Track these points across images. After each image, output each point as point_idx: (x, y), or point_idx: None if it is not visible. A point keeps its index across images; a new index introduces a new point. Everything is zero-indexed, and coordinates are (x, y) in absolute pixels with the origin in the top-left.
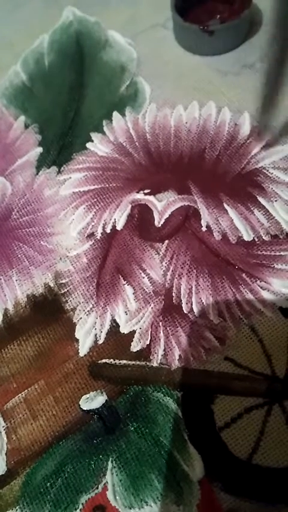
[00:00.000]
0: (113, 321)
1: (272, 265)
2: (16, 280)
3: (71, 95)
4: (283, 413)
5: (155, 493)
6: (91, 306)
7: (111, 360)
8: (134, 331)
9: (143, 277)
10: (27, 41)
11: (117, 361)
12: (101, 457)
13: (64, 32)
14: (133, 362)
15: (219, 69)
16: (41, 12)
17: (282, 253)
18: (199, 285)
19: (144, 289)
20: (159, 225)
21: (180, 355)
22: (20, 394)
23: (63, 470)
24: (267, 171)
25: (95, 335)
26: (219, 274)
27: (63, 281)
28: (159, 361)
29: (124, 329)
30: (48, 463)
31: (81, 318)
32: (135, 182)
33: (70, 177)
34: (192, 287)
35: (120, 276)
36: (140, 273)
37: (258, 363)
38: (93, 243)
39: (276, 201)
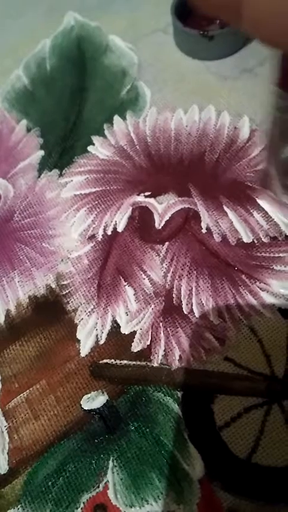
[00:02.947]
0: (114, 321)
1: (271, 267)
2: (18, 282)
3: (72, 98)
4: (282, 413)
5: (155, 491)
6: (92, 306)
7: (112, 360)
8: (134, 332)
9: (144, 279)
10: (29, 45)
11: (118, 361)
12: (102, 456)
13: (65, 37)
14: (134, 362)
15: (219, 73)
16: (42, 17)
17: (281, 254)
18: (199, 286)
19: (144, 291)
20: (160, 227)
21: (180, 356)
22: (21, 394)
23: (64, 469)
24: None
25: (96, 335)
26: (219, 275)
27: (65, 282)
28: (159, 362)
29: (125, 330)
30: (50, 462)
31: (82, 319)
32: (135, 185)
33: (71, 180)
34: (192, 288)
35: (121, 277)
36: (141, 274)
37: (257, 363)
38: (95, 245)
39: None
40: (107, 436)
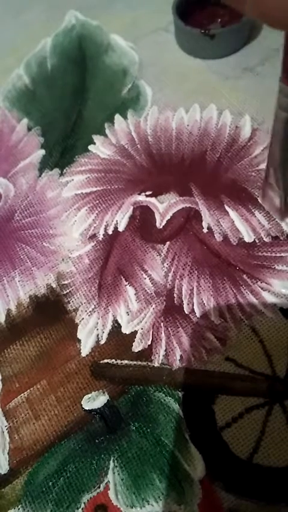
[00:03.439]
0: (115, 321)
1: (273, 267)
2: (19, 281)
3: (73, 98)
4: (283, 413)
5: (156, 492)
6: (93, 306)
7: (113, 360)
8: (135, 332)
9: (145, 278)
10: (30, 44)
11: (118, 361)
12: (102, 456)
13: (67, 36)
14: (135, 362)
15: (220, 72)
16: (43, 16)
17: (282, 254)
18: (200, 286)
19: (145, 290)
20: (161, 227)
21: (181, 356)
22: (22, 394)
23: (65, 469)
24: None
25: (97, 335)
26: (220, 275)
27: (66, 282)
28: (160, 362)
29: (126, 329)
30: (51, 462)
31: (83, 319)
32: (137, 184)
33: (72, 179)
34: (193, 288)
35: (122, 277)
36: (142, 274)
37: (259, 363)
38: (95, 244)
39: None
40: (107, 436)
